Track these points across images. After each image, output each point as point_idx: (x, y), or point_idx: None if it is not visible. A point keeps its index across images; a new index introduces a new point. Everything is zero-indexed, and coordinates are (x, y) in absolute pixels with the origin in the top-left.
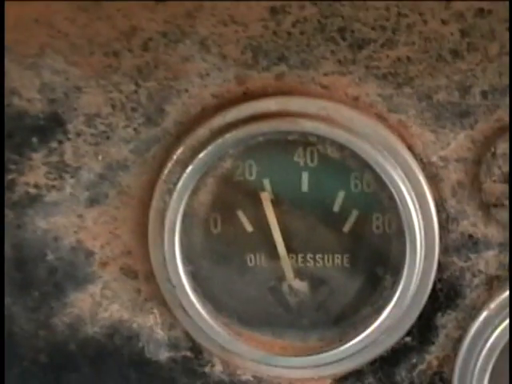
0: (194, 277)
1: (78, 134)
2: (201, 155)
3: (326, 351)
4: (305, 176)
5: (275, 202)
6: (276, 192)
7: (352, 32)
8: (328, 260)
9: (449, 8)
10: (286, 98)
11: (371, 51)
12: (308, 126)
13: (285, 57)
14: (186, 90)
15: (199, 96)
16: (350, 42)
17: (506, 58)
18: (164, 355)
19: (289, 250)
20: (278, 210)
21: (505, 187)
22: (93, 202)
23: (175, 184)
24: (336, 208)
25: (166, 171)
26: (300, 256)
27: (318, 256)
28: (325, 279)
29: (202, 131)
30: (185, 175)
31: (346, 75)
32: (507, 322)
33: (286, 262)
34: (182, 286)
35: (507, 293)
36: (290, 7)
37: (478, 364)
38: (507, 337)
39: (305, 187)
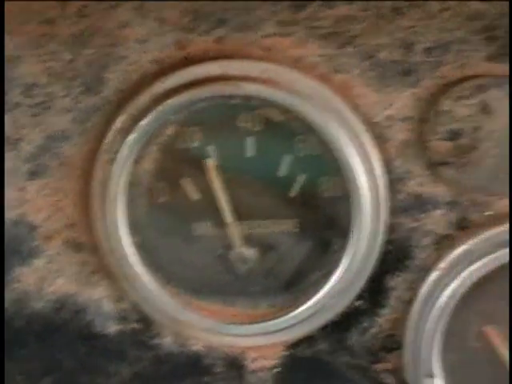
0: (140, 247)
1: (16, 105)
2: (142, 123)
3: (276, 318)
4: (249, 141)
5: (220, 169)
6: (221, 158)
7: None
8: (276, 226)
9: None
10: (227, 61)
11: (312, 11)
12: (250, 89)
13: (225, 19)
14: (125, 57)
15: (139, 62)
16: (290, 2)
17: (447, 14)
18: (113, 328)
19: (236, 216)
20: (224, 177)
21: (450, 145)
22: (34, 174)
23: (116, 153)
24: (282, 172)
25: (107, 140)
26: (247, 223)
27: (265, 222)
28: (273, 245)
29: (143, 98)
30: (126, 144)
31: (288, 36)
32: (457, 281)
33: (234, 230)
34: (128, 256)
35: (457, 252)
36: None
37: (429, 325)
38: (457, 296)
39: (250, 152)
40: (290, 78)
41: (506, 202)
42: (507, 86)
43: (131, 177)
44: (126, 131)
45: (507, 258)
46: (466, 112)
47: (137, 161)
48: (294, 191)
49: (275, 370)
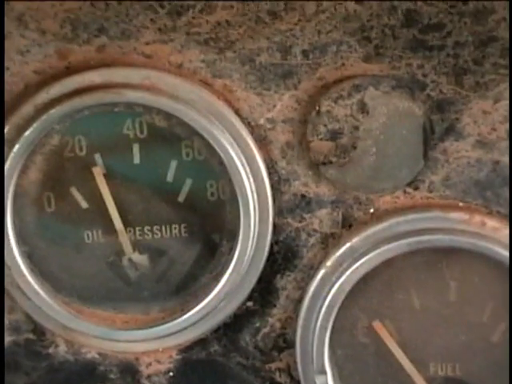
0: (29, 257)
1: None
2: (26, 133)
3: (167, 322)
4: (136, 148)
5: (108, 176)
6: (108, 166)
7: None
8: (166, 231)
9: None
10: (108, 69)
11: (190, 17)
12: (132, 96)
13: (105, 28)
14: (7, 68)
15: (21, 73)
16: (169, 9)
17: (323, 16)
18: (7, 339)
19: (126, 223)
20: (112, 184)
21: (331, 144)
22: None
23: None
24: (170, 178)
25: None
26: (137, 229)
27: (155, 228)
28: (164, 250)
29: (27, 108)
30: (12, 154)
31: (168, 43)
32: (343, 278)
33: (124, 236)
34: (18, 266)
35: (342, 249)
36: None
37: (319, 322)
38: (344, 293)
39: (137, 159)
40: (172, 84)
41: (387, 199)
42: (383, 85)
43: (18, 187)
44: (11, 142)
45: (390, 254)
46: (345, 112)
47: (23, 171)
48: (181, 196)
49: (170, 374)
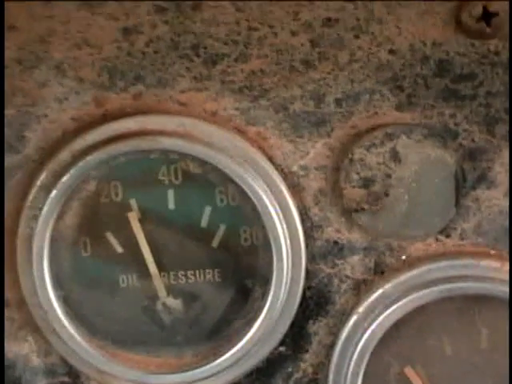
0: (65, 301)
1: None
2: (63, 179)
3: (200, 366)
4: (170, 194)
5: (143, 222)
6: (143, 211)
7: (205, 48)
8: (199, 276)
9: (297, 19)
10: (144, 116)
11: (225, 66)
12: (167, 143)
13: (141, 76)
14: (46, 115)
15: (59, 120)
16: (204, 58)
17: (356, 65)
18: (42, 382)
19: (160, 268)
20: (147, 229)
21: (363, 192)
22: None
23: (40, 209)
24: (204, 223)
25: (30, 197)
26: (172, 273)
27: (189, 272)
28: (197, 295)
29: (64, 155)
30: (49, 200)
31: (203, 91)
32: (375, 324)
33: (158, 281)
34: (54, 311)
35: (374, 296)
36: (142, 26)
37: (351, 368)
38: (376, 340)
39: (171, 205)
40: (206, 132)
41: (419, 246)
42: (415, 133)
43: (55, 232)
44: (48, 188)
45: (421, 301)
46: (378, 160)
47: (60, 216)
48: (215, 241)
49: None
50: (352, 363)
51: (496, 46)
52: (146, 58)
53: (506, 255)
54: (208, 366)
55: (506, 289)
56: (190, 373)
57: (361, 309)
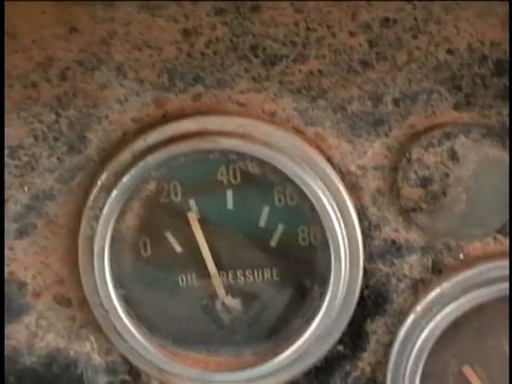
0: (126, 300)
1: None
2: (124, 179)
3: (260, 365)
4: (229, 194)
5: (202, 221)
6: (202, 211)
7: (264, 49)
8: (258, 275)
9: (355, 20)
10: (204, 117)
11: (284, 66)
12: (227, 143)
13: (200, 77)
14: (106, 117)
15: (119, 121)
16: (263, 58)
17: (414, 65)
18: (103, 380)
19: (219, 267)
20: (206, 229)
21: (421, 191)
22: (22, 233)
23: (101, 209)
24: (262, 223)
25: (91, 197)
26: (230, 273)
27: (247, 272)
28: (256, 294)
29: (125, 155)
30: (110, 200)
31: (262, 92)
32: (433, 323)
33: (217, 280)
34: (115, 310)
35: (432, 295)
36: (201, 28)
37: (409, 367)
38: (434, 338)
39: (230, 205)
40: (265, 132)
41: (477, 245)
42: (473, 133)
43: (116, 232)
44: (109, 188)
45: (480, 300)
46: (436, 159)
47: (120, 216)
48: (274, 241)
49: None
50: (410, 362)
51: None
52: (206, 60)
53: None
54: (267, 365)
55: None
56: (249, 371)
57: (419, 308)
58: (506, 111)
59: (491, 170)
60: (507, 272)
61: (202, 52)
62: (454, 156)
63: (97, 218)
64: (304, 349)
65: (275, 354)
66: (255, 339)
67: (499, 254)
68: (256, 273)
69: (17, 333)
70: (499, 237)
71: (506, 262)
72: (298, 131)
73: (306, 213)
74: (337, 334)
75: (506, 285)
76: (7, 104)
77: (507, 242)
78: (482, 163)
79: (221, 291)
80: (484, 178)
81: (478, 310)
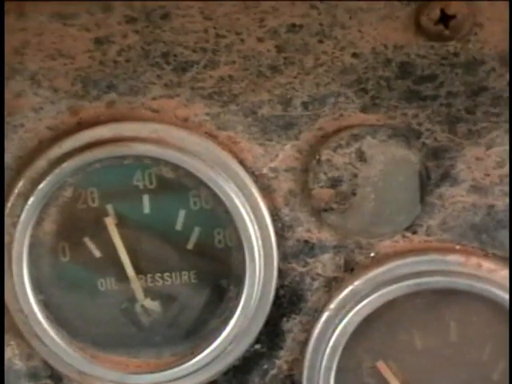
0: (45, 305)
1: None
2: (40, 186)
3: (178, 365)
4: (145, 198)
5: (120, 226)
6: (120, 216)
7: (175, 56)
8: (176, 277)
9: (263, 26)
10: (118, 124)
11: (195, 73)
12: (141, 149)
13: (114, 85)
14: (22, 125)
15: (35, 129)
16: (174, 65)
17: (321, 69)
18: None
19: (137, 271)
20: (124, 234)
21: (332, 192)
22: None
23: (19, 216)
24: (179, 226)
25: (8, 205)
26: (149, 276)
27: (166, 274)
28: (175, 296)
29: (40, 163)
30: (27, 207)
31: (174, 98)
32: (346, 320)
33: (136, 283)
34: (35, 315)
35: (345, 292)
36: (113, 36)
37: (324, 363)
38: (348, 335)
39: (147, 209)
40: (178, 137)
41: (387, 243)
42: (380, 134)
43: (34, 238)
44: (25, 195)
45: (390, 296)
46: (344, 160)
47: (38, 222)
48: (190, 244)
49: None
50: (325, 358)
51: (455, 47)
52: (118, 67)
53: (471, 250)
54: (186, 365)
55: (471, 282)
56: (168, 372)
57: (332, 305)
58: (410, 112)
59: (398, 170)
60: (416, 268)
61: (114, 60)
62: (361, 157)
63: (14, 224)
64: (222, 348)
65: (194, 354)
66: (174, 340)
67: (408, 251)
68: (174, 275)
69: None
70: (408, 234)
71: (415, 259)
72: (210, 135)
73: (221, 215)
74: (254, 334)
75: (416, 281)
76: None
77: (415, 238)
78: (388, 163)
79: (140, 294)
80: (391, 178)
81: (388, 306)
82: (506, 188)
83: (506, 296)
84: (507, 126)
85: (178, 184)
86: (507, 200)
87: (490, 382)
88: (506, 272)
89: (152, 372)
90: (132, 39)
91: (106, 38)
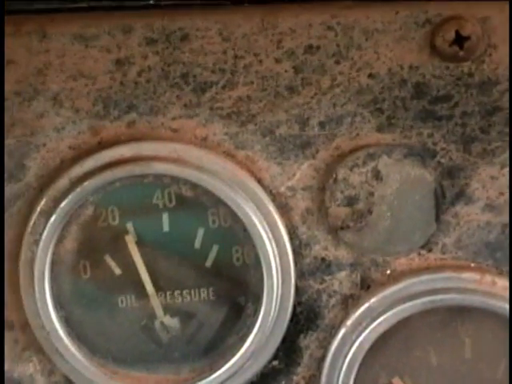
0: (67, 322)
1: None
2: (62, 205)
3: (197, 381)
4: (165, 216)
5: (139, 244)
6: (139, 234)
7: (194, 77)
8: (195, 295)
9: (280, 47)
10: (138, 143)
11: (214, 93)
12: (160, 168)
13: (134, 105)
14: (44, 145)
15: (57, 149)
16: (193, 86)
17: (338, 90)
18: None
19: (157, 288)
20: (143, 251)
21: (348, 210)
22: None
23: (41, 234)
24: (197, 244)
25: (31, 223)
26: (168, 293)
27: (185, 291)
28: (193, 313)
29: (62, 182)
30: (49, 225)
31: (193, 117)
32: (362, 337)
33: (156, 301)
34: (56, 331)
35: (361, 309)
36: (133, 57)
37: (340, 380)
38: (364, 351)
39: (166, 227)
40: (197, 156)
41: (402, 261)
42: (396, 153)
43: (55, 256)
44: (48, 213)
45: (406, 313)
46: (360, 179)
47: (60, 240)
48: (209, 261)
49: None
50: (342, 375)
51: (469, 67)
52: (139, 88)
53: (486, 268)
54: (204, 381)
55: (486, 300)
56: None
57: (349, 322)
58: (426, 132)
59: (414, 188)
60: (431, 286)
61: (134, 81)
62: (377, 175)
63: (37, 242)
64: (240, 364)
65: (212, 370)
66: (193, 356)
67: (423, 269)
68: (193, 292)
69: None
70: (423, 252)
71: (430, 276)
72: (228, 155)
73: (239, 233)
74: (271, 350)
75: (431, 298)
76: None
77: (431, 256)
78: (404, 182)
79: (159, 311)
80: (407, 196)
81: (404, 323)
82: None
83: None
84: None
85: (196, 202)
86: None
87: None
88: None
89: None
90: (152, 60)
91: (127, 58)
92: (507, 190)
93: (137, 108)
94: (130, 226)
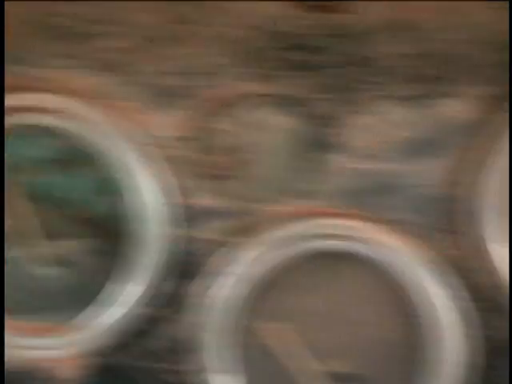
0: None
1: None
2: None
3: (80, 329)
4: (51, 168)
5: (27, 195)
6: (30, 187)
7: (74, 28)
8: (78, 244)
9: None
10: (20, 94)
11: (96, 44)
12: (43, 119)
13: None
14: None
15: None
16: (74, 37)
17: (213, 42)
18: None
19: (41, 238)
20: (31, 203)
21: (225, 159)
22: None
23: None
24: (82, 195)
25: None
26: (52, 243)
27: (68, 241)
28: (76, 262)
29: None
30: None
31: (74, 69)
32: (245, 284)
33: (41, 250)
34: None
35: (241, 256)
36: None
37: (222, 325)
38: (243, 298)
39: (54, 179)
40: (79, 108)
41: (280, 208)
42: (271, 103)
43: None
44: None
45: (285, 260)
46: (236, 129)
47: None
48: (92, 212)
49: (81, 379)
50: (224, 321)
51: (341, 18)
52: (19, 40)
53: (359, 214)
54: (89, 329)
55: (360, 246)
56: (70, 336)
57: (230, 269)
58: (300, 82)
59: (289, 138)
60: (309, 232)
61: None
62: (255, 125)
63: None
64: (126, 312)
65: (97, 317)
66: (74, 305)
67: (300, 216)
68: (76, 242)
69: None
70: (299, 200)
71: (307, 223)
72: (110, 106)
73: (120, 184)
74: (156, 298)
75: (309, 244)
76: None
77: (307, 204)
78: (280, 131)
79: (41, 260)
80: (283, 145)
81: (284, 269)
82: (392, 154)
83: (389, 259)
84: (392, 94)
85: (80, 154)
86: (393, 165)
87: (375, 341)
88: (393, 236)
89: (53, 336)
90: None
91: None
92: (379, 139)
93: (19, 60)
94: (19, 178)
